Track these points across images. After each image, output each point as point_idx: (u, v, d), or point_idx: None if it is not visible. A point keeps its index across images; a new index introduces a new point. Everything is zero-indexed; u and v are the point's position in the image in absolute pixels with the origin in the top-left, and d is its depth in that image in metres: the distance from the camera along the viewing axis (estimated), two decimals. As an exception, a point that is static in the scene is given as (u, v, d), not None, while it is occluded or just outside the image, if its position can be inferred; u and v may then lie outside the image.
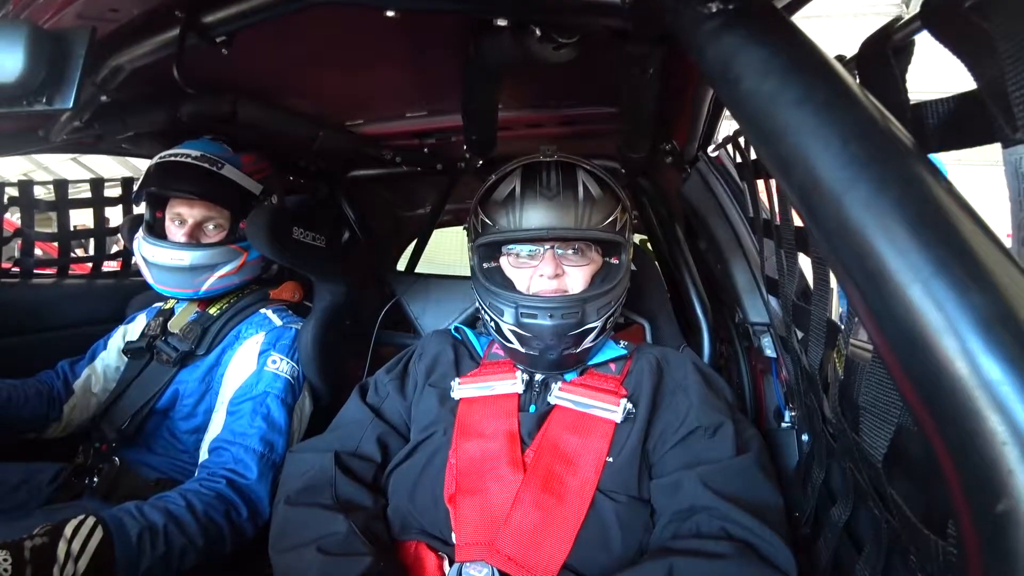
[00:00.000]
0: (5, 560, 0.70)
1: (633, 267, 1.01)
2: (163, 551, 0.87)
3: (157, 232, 1.26)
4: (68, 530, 0.78)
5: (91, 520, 0.81)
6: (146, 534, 0.86)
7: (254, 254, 1.28)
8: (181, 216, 1.23)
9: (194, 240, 1.22)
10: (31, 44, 0.61)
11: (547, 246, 0.94)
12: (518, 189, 0.93)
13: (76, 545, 0.78)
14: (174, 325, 1.28)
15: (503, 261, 1.00)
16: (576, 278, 0.94)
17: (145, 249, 1.21)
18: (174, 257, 1.19)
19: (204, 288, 1.23)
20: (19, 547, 0.72)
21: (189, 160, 1.19)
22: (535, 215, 0.90)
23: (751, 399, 1.19)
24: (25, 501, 1.15)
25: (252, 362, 1.19)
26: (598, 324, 0.92)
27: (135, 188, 1.29)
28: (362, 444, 0.96)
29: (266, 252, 1.23)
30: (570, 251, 0.95)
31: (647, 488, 0.84)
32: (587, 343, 0.93)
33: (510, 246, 0.97)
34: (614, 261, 0.99)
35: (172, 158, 1.19)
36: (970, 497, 0.28)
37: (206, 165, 1.19)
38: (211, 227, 1.25)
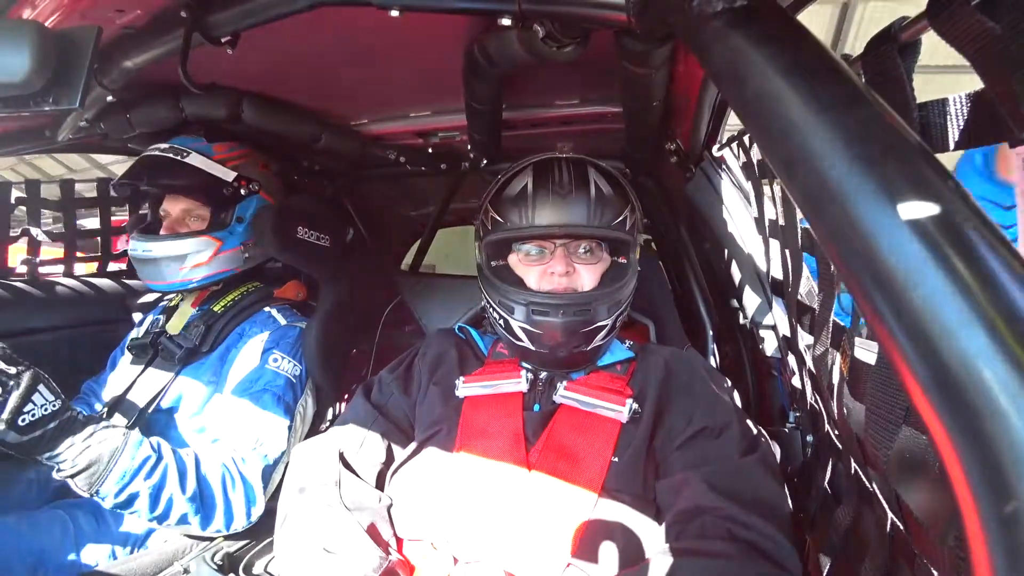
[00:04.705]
0: (47, 402, 0.86)
1: (638, 267, 1.01)
2: (157, 483, 0.96)
3: (154, 230, 1.28)
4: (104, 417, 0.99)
5: (120, 429, 0.96)
6: (150, 462, 0.96)
7: (231, 243, 1.27)
8: (166, 211, 1.26)
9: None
10: (37, 44, 0.61)
11: (559, 243, 0.94)
12: (530, 186, 0.92)
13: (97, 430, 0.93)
14: (173, 326, 1.28)
15: (512, 259, 1.00)
16: (587, 276, 0.95)
17: (129, 246, 1.26)
18: (144, 249, 1.23)
19: (178, 280, 1.24)
20: (68, 404, 0.90)
21: (157, 152, 1.21)
22: (547, 212, 0.90)
23: (755, 399, 1.18)
24: (35, 498, 1.16)
25: (255, 360, 1.20)
26: (608, 322, 0.93)
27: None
28: (366, 442, 0.96)
29: (270, 251, 1.24)
30: (581, 249, 0.95)
31: (652, 488, 0.84)
32: (597, 341, 0.93)
33: (521, 243, 0.97)
34: (622, 260, 0.99)
35: (145, 153, 1.23)
36: (977, 498, 0.28)
37: (171, 155, 1.20)
38: (192, 220, 1.27)
